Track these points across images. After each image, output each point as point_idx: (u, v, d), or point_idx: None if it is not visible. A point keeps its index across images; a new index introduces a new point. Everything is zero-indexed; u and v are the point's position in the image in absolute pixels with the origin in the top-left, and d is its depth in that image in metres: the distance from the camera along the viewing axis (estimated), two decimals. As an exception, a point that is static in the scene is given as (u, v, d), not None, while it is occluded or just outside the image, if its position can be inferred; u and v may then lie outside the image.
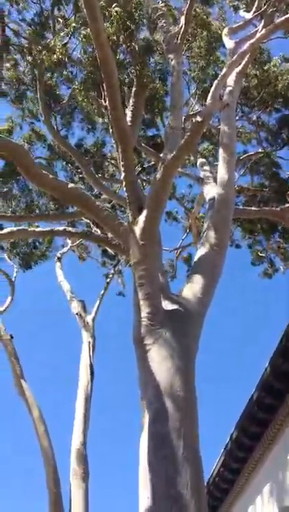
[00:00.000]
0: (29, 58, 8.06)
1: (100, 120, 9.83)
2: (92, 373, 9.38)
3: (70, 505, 7.75)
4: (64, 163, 10.81)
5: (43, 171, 5.54)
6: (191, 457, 3.77)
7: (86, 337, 10.15)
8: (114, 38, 6.37)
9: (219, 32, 9.37)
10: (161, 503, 3.54)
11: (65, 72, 8.86)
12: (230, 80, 6.57)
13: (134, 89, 6.76)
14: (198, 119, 5.01)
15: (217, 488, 9.48)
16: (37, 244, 11.82)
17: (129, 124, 6.08)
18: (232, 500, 9.34)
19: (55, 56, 7.33)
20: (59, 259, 12.52)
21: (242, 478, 8.68)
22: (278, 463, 7.21)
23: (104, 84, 5.29)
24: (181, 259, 12.83)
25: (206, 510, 3.70)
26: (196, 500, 3.58)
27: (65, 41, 7.97)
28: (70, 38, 8.21)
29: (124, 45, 6.77)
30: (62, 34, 8.02)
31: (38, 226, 9.66)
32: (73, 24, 7.91)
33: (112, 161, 10.79)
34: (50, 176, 5.60)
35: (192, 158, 10.46)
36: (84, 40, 7.02)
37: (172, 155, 5.07)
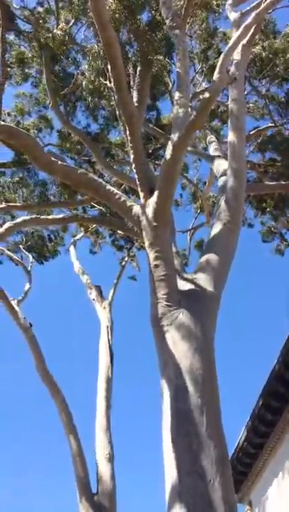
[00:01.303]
0: (35, 43, 8.00)
1: (105, 103, 9.74)
2: (111, 356, 9.48)
3: (97, 487, 7.91)
4: (71, 153, 10.78)
5: (53, 158, 5.54)
6: (215, 433, 3.80)
7: (104, 321, 10.24)
8: (117, 15, 6.26)
9: (221, 8, 9.16)
10: (187, 479, 3.59)
11: (69, 57, 8.81)
12: (237, 53, 6.42)
13: (139, 68, 6.66)
14: (207, 94, 4.93)
15: (241, 463, 9.60)
16: (52, 237, 11.99)
17: (135, 104, 6.00)
18: (257, 474, 9.46)
19: (60, 38, 7.27)
20: (74, 245, 12.59)
21: (265, 453, 8.76)
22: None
23: (109, 67, 5.23)
24: (193, 243, 12.77)
25: (232, 484, 3.74)
26: (221, 474, 3.61)
27: (70, 24, 7.90)
28: (74, 22, 8.12)
29: (127, 24, 6.66)
30: (65, 17, 7.94)
31: (50, 214, 9.71)
32: (76, 7, 7.80)
33: (121, 146, 10.72)
34: (60, 163, 5.59)
35: (201, 136, 10.33)
36: (89, 21, 6.94)
37: (181, 133, 5.01)
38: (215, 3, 9.36)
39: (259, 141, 10.83)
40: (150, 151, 10.94)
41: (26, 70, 9.25)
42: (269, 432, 8.39)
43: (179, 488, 3.60)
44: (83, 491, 7.68)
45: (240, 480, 10.06)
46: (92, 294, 10.92)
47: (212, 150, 8.12)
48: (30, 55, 8.82)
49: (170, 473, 3.74)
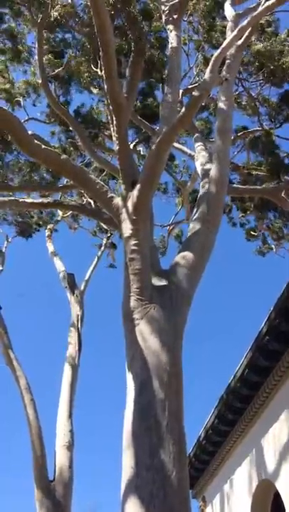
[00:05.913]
0: (28, 16, 7.85)
1: (95, 91, 9.60)
2: (80, 344, 9.45)
3: (54, 473, 7.90)
4: (60, 130, 10.59)
5: (36, 142, 5.43)
6: (175, 429, 3.83)
7: (75, 310, 10.18)
8: (112, 1, 6.16)
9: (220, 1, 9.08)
10: (145, 473, 3.61)
11: (63, 36, 8.67)
12: (230, 54, 6.42)
13: (131, 58, 6.58)
14: (196, 93, 4.91)
15: (199, 460, 9.75)
16: (32, 213, 11.75)
17: (124, 94, 5.93)
18: (213, 472, 9.62)
19: (55, 13, 7.12)
20: (50, 231, 12.44)
21: (223, 450, 8.91)
22: (258, 436, 7.41)
23: (100, 53, 5.14)
24: (172, 235, 12.83)
25: (188, 480, 3.80)
26: (178, 470, 3.66)
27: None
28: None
29: (122, 11, 6.56)
30: None
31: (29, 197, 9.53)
32: None
33: (108, 133, 10.59)
34: (43, 147, 5.49)
35: (188, 133, 10.30)
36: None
37: (167, 129, 4.98)
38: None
39: (246, 142, 10.85)
40: (135, 142, 10.84)
41: (19, 47, 9.05)
42: (228, 431, 8.53)
43: (136, 481, 3.62)
44: (40, 478, 7.65)
45: (196, 476, 10.22)
46: (65, 282, 10.84)
47: (197, 149, 8.11)
48: (24, 31, 8.67)
49: (128, 466, 3.76)
